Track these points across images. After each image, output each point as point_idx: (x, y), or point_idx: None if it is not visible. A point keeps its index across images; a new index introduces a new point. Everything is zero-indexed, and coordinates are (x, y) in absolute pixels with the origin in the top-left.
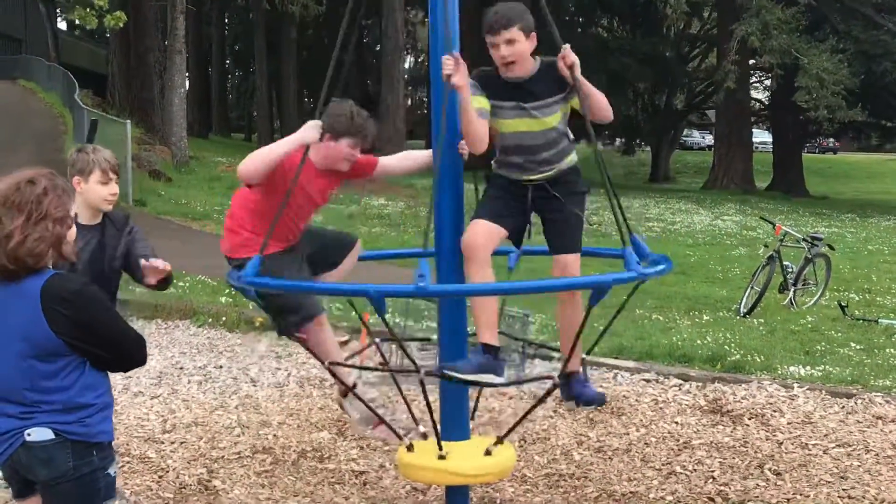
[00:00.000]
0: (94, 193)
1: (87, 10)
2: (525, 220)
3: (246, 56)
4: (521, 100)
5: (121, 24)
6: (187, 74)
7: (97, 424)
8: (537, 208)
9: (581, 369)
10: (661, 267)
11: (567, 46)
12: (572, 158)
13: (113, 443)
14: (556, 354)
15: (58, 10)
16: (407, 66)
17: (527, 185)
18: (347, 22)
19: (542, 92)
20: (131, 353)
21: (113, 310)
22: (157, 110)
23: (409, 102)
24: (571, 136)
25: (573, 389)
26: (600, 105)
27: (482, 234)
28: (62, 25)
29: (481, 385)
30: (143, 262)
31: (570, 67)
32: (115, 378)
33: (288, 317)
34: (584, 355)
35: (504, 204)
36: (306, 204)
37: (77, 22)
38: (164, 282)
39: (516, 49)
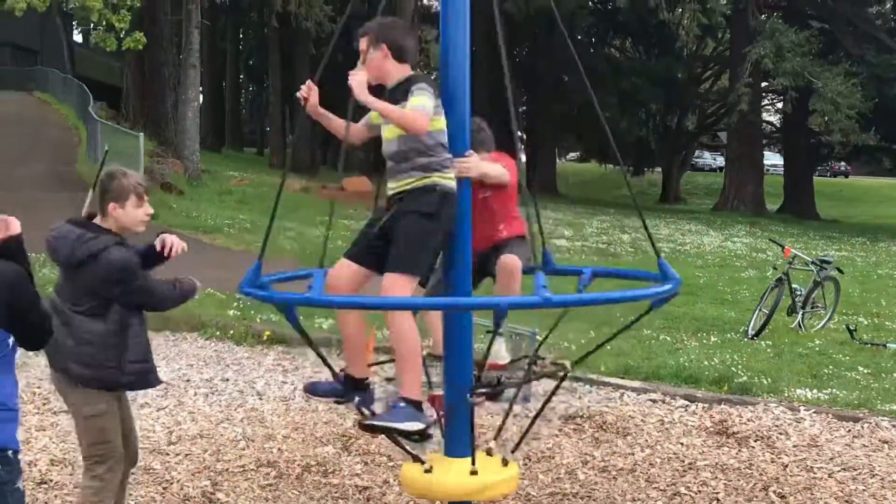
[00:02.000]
0: (132, 217)
1: (107, 32)
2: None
3: (259, 71)
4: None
5: (140, 47)
6: (201, 89)
7: None
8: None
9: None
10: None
11: (351, 72)
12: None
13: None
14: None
15: (74, 23)
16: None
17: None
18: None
19: (396, 102)
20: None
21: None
22: (170, 124)
23: None
24: (435, 155)
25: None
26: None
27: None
28: (78, 38)
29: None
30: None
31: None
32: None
33: None
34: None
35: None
36: None
37: (101, 45)
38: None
39: (367, 58)
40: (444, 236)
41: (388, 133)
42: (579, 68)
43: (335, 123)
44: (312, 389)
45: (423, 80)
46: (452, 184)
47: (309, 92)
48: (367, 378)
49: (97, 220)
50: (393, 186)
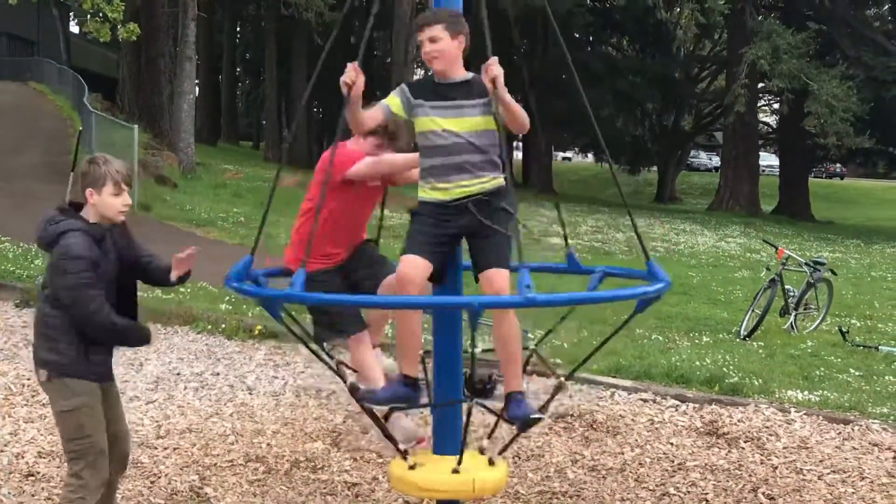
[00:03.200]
0: (108, 205)
1: (102, 22)
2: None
3: (256, 64)
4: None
5: (134, 37)
6: (197, 81)
7: None
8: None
9: (522, 388)
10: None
11: (494, 58)
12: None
13: None
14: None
15: (70, 14)
16: (417, 77)
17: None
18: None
19: (459, 98)
20: None
21: None
22: (165, 116)
23: None
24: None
25: (509, 411)
26: (516, 117)
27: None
28: (74, 29)
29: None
30: (175, 255)
31: (493, 80)
32: None
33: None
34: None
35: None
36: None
37: (95, 35)
38: (187, 275)
39: (439, 46)
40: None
41: (459, 126)
42: (571, 68)
43: (360, 115)
44: (369, 398)
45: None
46: None
47: (356, 76)
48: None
49: (84, 209)
50: (465, 184)
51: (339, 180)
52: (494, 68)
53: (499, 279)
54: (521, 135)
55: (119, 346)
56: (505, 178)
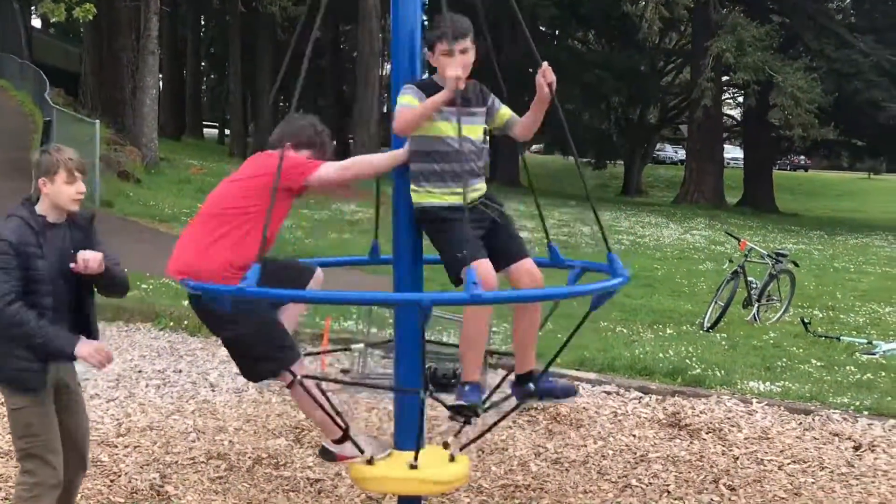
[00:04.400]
0: (61, 193)
1: (57, 2)
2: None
3: (221, 58)
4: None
5: (90, 17)
6: (160, 76)
7: None
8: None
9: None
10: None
11: (546, 64)
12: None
13: None
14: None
15: (32, 8)
16: (384, 72)
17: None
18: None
19: (470, 103)
20: None
21: None
22: (128, 111)
23: (385, 108)
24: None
25: (542, 387)
26: (538, 125)
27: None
28: (36, 23)
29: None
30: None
31: (549, 85)
32: None
33: (262, 363)
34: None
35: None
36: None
37: (47, 16)
38: (113, 286)
39: (470, 57)
40: None
41: (474, 133)
42: (539, 61)
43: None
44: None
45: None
46: None
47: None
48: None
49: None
50: (479, 187)
51: (298, 187)
52: (550, 73)
53: (530, 265)
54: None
55: (27, 348)
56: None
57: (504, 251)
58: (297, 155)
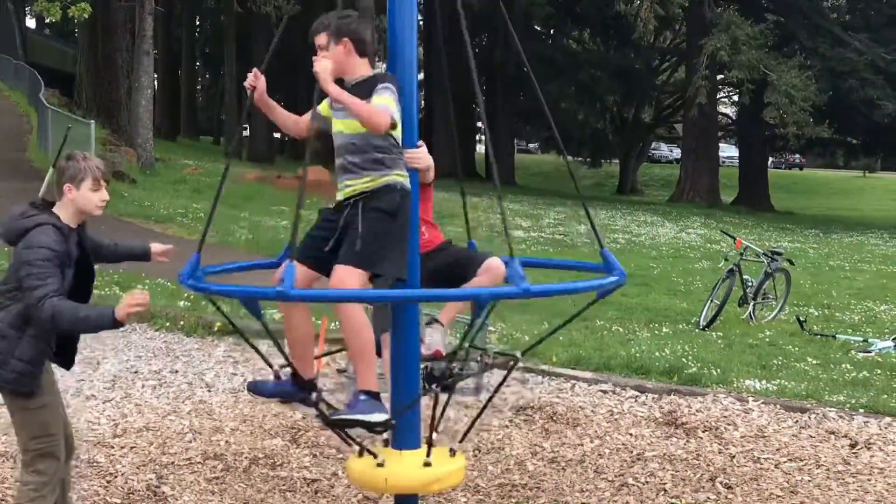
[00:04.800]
0: (87, 200)
1: (51, 1)
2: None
3: (216, 59)
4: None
5: (85, 15)
6: (155, 76)
7: None
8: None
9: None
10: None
11: (316, 58)
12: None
13: None
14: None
15: (27, 9)
16: (377, 71)
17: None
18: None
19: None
20: None
21: None
22: (123, 111)
23: None
24: (392, 152)
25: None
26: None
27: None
28: (31, 24)
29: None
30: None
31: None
32: (68, 381)
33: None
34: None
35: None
36: None
37: (43, 15)
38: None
39: (327, 53)
40: (402, 235)
41: (345, 127)
42: (524, 61)
43: (280, 115)
44: (256, 389)
45: (388, 79)
46: (408, 182)
47: (256, 80)
48: (316, 378)
49: (57, 207)
50: (350, 183)
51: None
52: (315, 65)
53: (340, 272)
54: (484, 128)
55: (84, 332)
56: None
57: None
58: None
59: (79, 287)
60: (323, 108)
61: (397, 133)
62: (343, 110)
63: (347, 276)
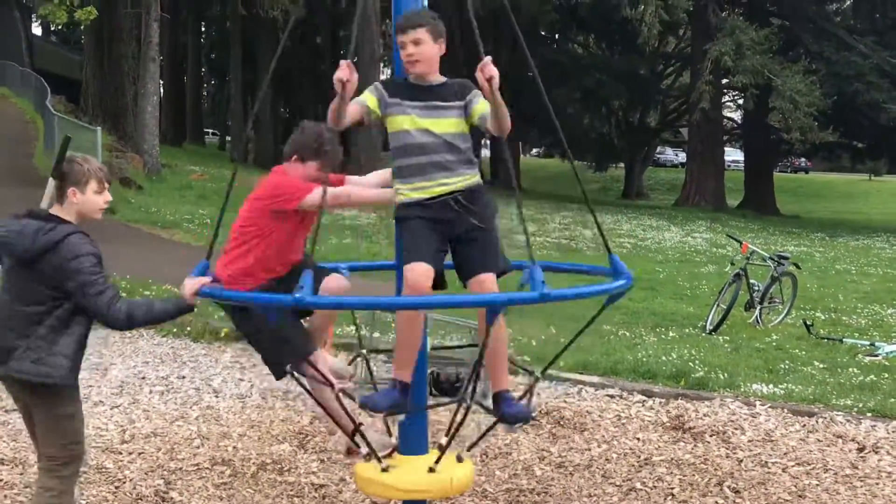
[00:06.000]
0: (91, 203)
1: (58, 5)
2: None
3: (221, 65)
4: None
5: (91, 18)
6: (161, 82)
7: None
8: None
9: (508, 388)
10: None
11: (488, 59)
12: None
13: None
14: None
15: (33, 16)
16: (384, 77)
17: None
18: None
19: (445, 99)
20: None
21: None
22: (129, 118)
23: None
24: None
25: (499, 410)
26: (504, 118)
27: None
28: (37, 31)
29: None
30: None
31: (489, 80)
32: None
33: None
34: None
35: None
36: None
37: (49, 20)
38: None
39: (421, 49)
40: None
41: (436, 126)
42: (532, 67)
43: (346, 111)
44: (373, 405)
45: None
46: None
47: (350, 74)
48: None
49: (55, 211)
50: (445, 181)
51: (292, 209)
52: (490, 68)
53: (489, 284)
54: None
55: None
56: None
57: (463, 264)
58: (296, 174)
59: None
60: (373, 103)
61: None
62: (434, 110)
63: (492, 283)
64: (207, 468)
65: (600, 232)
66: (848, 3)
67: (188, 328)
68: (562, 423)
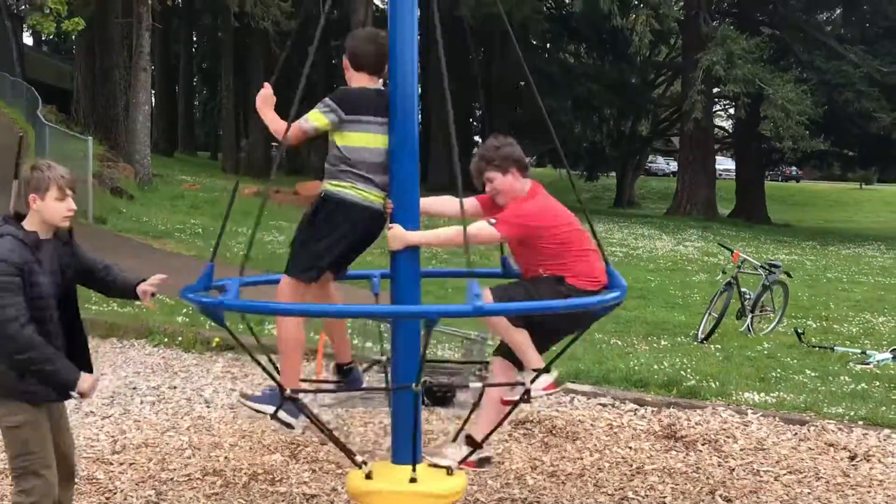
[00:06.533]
0: (52, 210)
1: (45, 13)
2: None
3: (213, 74)
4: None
5: (79, 29)
6: (153, 92)
7: None
8: None
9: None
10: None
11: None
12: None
13: None
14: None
15: (24, 26)
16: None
17: None
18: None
19: None
20: None
21: None
22: (120, 127)
23: None
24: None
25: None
26: None
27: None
28: (28, 40)
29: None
30: (142, 287)
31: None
32: None
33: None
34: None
35: None
36: None
37: (38, 31)
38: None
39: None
40: (328, 241)
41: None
42: (527, 75)
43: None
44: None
45: (333, 94)
46: (345, 194)
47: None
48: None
49: (26, 218)
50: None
51: None
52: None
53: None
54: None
55: (31, 375)
56: None
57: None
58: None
59: (66, 299)
60: (321, 123)
61: (348, 148)
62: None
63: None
64: (199, 478)
65: (597, 241)
66: (838, 12)
67: (179, 338)
68: (554, 432)
